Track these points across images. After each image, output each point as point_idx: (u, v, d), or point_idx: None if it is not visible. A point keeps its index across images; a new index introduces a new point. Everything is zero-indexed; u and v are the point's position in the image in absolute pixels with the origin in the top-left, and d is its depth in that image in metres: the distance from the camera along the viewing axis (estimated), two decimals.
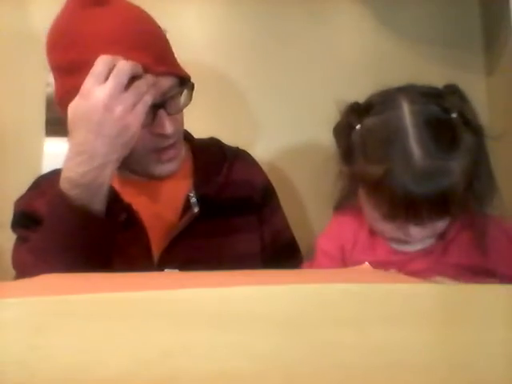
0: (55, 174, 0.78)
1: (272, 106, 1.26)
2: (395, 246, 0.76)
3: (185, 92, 0.78)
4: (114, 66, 0.63)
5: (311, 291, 0.42)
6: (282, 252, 0.91)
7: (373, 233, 0.78)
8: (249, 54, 1.25)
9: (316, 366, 0.20)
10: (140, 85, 0.65)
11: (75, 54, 0.69)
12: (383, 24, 1.27)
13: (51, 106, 1.21)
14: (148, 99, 0.66)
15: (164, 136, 0.74)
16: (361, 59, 1.22)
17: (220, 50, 1.24)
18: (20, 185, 1.20)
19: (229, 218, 0.85)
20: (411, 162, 0.63)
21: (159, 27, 0.77)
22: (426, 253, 0.74)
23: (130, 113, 0.63)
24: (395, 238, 0.73)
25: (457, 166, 0.65)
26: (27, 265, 0.71)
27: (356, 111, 0.71)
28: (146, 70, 0.68)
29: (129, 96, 0.63)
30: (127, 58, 0.66)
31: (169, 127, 0.73)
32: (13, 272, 1.03)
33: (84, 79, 0.64)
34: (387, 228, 0.71)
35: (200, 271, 0.57)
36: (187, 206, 0.80)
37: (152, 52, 0.71)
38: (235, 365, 0.20)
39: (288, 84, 1.26)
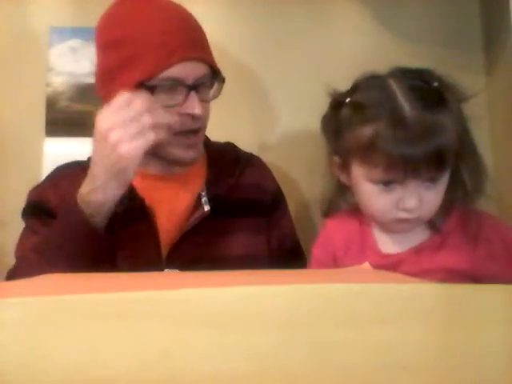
0: (70, 166, 0.88)
1: (272, 106, 1.26)
2: (389, 238, 0.75)
3: (215, 86, 0.83)
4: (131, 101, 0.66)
5: (311, 291, 0.42)
6: (287, 256, 0.93)
7: (364, 237, 0.77)
8: (248, 55, 1.25)
9: (316, 365, 0.20)
10: (144, 119, 0.66)
11: (121, 32, 0.77)
12: (383, 24, 1.27)
13: (51, 106, 1.22)
14: (151, 135, 0.67)
15: (192, 116, 0.77)
16: (361, 59, 1.22)
17: (219, 50, 1.23)
18: (20, 185, 1.20)
19: (238, 219, 0.87)
20: (401, 116, 0.65)
21: (197, 22, 0.83)
22: (416, 251, 0.73)
23: (127, 143, 0.65)
24: (391, 218, 0.70)
25: (447, 121, 0.66)
26: (29, 261, 0.73)
27: (343, 92, 0.75)
28: (180, 54, 0.75)
29: (128, 128, 0.65)
30: (164, 39, 0.75)
31: (197, 108, 0.76)
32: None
33: (126, 54, 0.75)
34: (383, 203, 0.69)
35: (204, 270, 0.58)
36: (198, 204, 0.83)
37: (188, 38, 0.78)
38: (235, 365, 0.20)
39: (288, 84, 1.26)
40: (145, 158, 0.79)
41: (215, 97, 0.83)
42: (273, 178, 0.97)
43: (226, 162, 0.91)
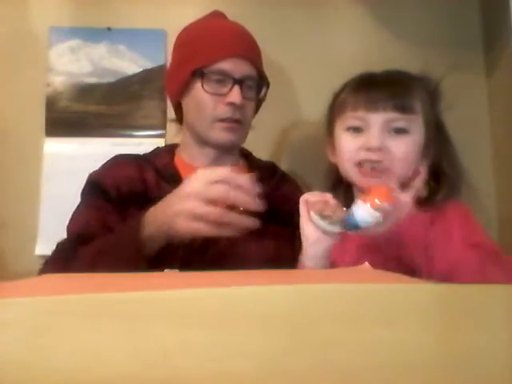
0: (127, 157, 0.98)
1: (271, 106, 1.26)
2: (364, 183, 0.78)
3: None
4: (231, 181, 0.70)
5: (311, 291, 0.42)
6: None
7: None
8: None
9: (316, 365, 0.20)
10: (218, 212, 0.69)
11: (189, 36, 0.95)
12: (383, 24, 1.27)
13: (51, 106, 1.21)
14: (210, 228, 0.69)
15: (233, 105, 0.89)
16: (361, 59, 1.22)
17: None
18: (20, 185, 1.20)
19: (267, 225, 0.92)
20: (371, 75, 0.81)
21: (254, 39, 0.97)
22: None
23: (187, 220, 0.69)
24: (359, 160, 0.77)
25: (414, 88, 0.78)
26: (77, 241, 0.83)
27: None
28: (231, 51, 0.90)
29: (200, 208, 0.69)
30: (220, 39, 0.91)
31: (238, 99, 0.88)
32: (13, 272, 1.04)
33: (188, 50, 0.92)
34: (353, 145, 0.78)
35: (228, 268, 0.58)
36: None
37: (240, 42, 0.93)
38: (236, 364, 0.20)
39: (287, 84, 1.26)
40: (192, 150, 0.97)
41: (262, 98, 0.97)
42: None
43: (264, 174, 0.98)
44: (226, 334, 0.25)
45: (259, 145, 1.20)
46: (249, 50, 0.94)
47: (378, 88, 0.78)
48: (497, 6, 1.20)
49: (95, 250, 0.79)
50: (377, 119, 0.76)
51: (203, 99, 0.90)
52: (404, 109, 0.76)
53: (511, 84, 1.16)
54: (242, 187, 0.70)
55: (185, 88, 0.92)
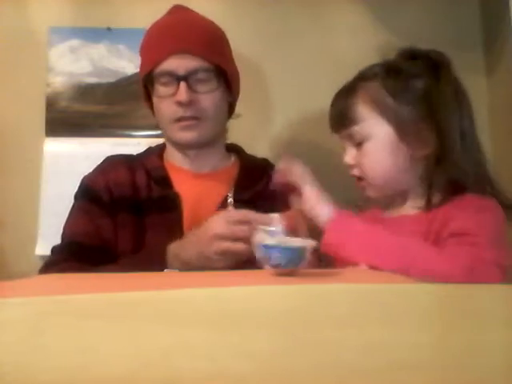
0: (118, 158, 0.97)
1: (271, 106, 1.26)
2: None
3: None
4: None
5: (311, 291, 0.42)
6: None
7: None
8: (247, 55, 1.25)
9: (316, 365, 0.20)
10: (242, 248, 0.72)
11: (143, 42, 0.94)
12: (383, 24, 1.27)
13: (51, 106, 1.21)
14: (236, 249, 0.73)
15: (180, 104, 0.86)
16: (360, 59, 1.22)
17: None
18: (20, 185, 1.21)
19: None
20: (338, 91, 0.82)
21: (216, 30, 0.94)
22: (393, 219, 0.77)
23: (218, 257, 0.73)
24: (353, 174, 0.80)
25: (360, 91, 0.78)
26: (76, 248, 0.86)
27: None
28: (170, 49, 0.87)
29: (227, 247, 0.72)
30: (161, 39, 0.89)
31: (184, 96, 0.85)
32: (13, 272, 1.04)
33: (141, 57, 0.92)
34: (348, 158, 0.80)
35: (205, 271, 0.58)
36: (224, 205, 0.90)
37: (184, 36, 0.88)
38: (235, 364, 0.20)
39: (287, 83, 1.26)
40: (172, 152, 0.95)
41: (215, 89, 0.90)
42: None
43: (255, 172, 0.98)
44: (226, 333, 0.25)
45: (258, 142, 1.20)
46: (194, 42, 0.88)
47: (331, 107, 0.81)
48: (497, 5, 1.20)
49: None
50: (341, 138, 0.80)
51: (157, 103, 0.90)
52: (350, 121, 0.77)
53: (511, 84, 1.16)
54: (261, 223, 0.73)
55: (146, 96, 0.93)
